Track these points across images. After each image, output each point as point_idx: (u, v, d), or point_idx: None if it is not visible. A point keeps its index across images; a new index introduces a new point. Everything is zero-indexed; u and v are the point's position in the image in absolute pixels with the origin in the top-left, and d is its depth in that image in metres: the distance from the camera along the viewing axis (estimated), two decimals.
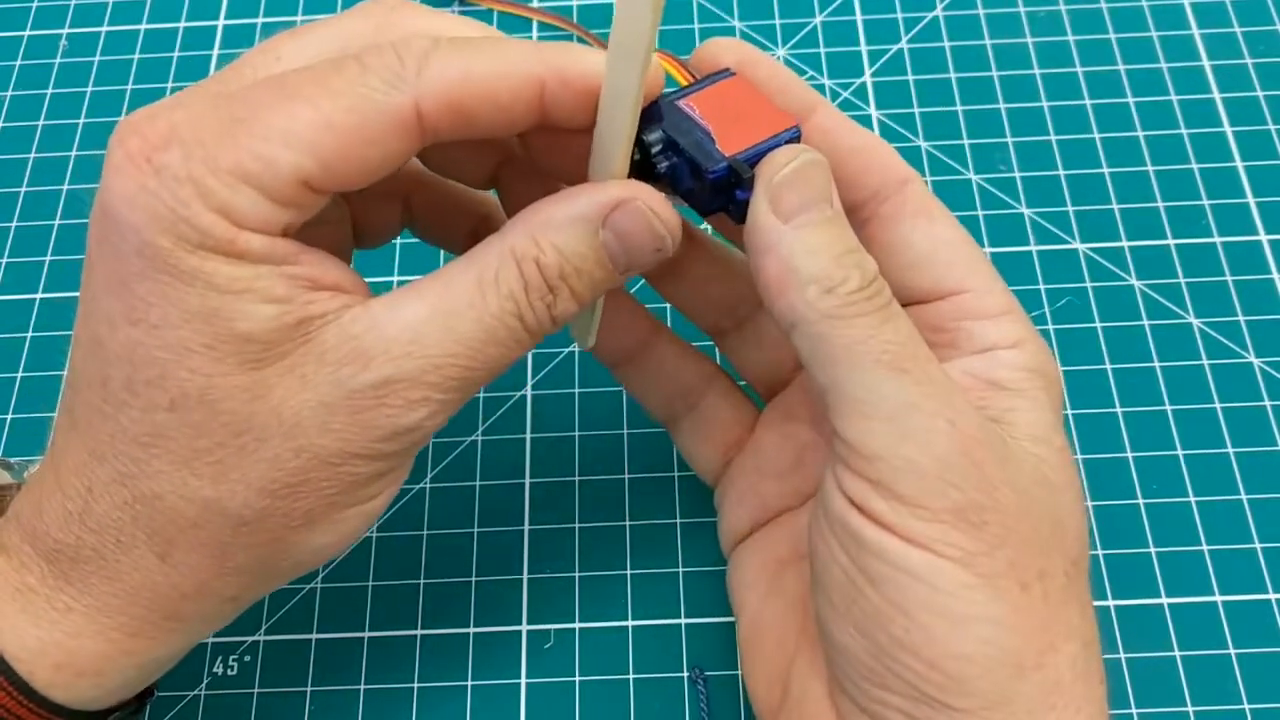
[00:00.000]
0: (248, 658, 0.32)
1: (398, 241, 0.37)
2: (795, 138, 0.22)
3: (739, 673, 0.30)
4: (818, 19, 0.41)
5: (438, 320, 0.21)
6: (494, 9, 0.41)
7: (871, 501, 0.21)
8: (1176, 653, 0.30)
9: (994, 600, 0.20)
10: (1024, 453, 0.22)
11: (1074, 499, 0.23)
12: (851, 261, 0.21)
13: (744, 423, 0.28)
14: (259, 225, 0.20)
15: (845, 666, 0.22)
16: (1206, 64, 0.40)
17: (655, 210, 0.22)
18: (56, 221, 0.39)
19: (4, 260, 0.38)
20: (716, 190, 0.22)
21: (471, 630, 0.32)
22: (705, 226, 0.31)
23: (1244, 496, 0.32)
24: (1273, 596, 0.31)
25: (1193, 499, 0.32)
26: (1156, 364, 0.34)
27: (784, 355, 0.27)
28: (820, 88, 0.40)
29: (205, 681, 0.31)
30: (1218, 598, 0.31)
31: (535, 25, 0.41)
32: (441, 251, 0.36)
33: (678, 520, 0.33)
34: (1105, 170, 0.38)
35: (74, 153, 0.40)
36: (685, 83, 0.23)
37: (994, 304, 0.23)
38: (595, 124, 0.21)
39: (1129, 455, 0.33)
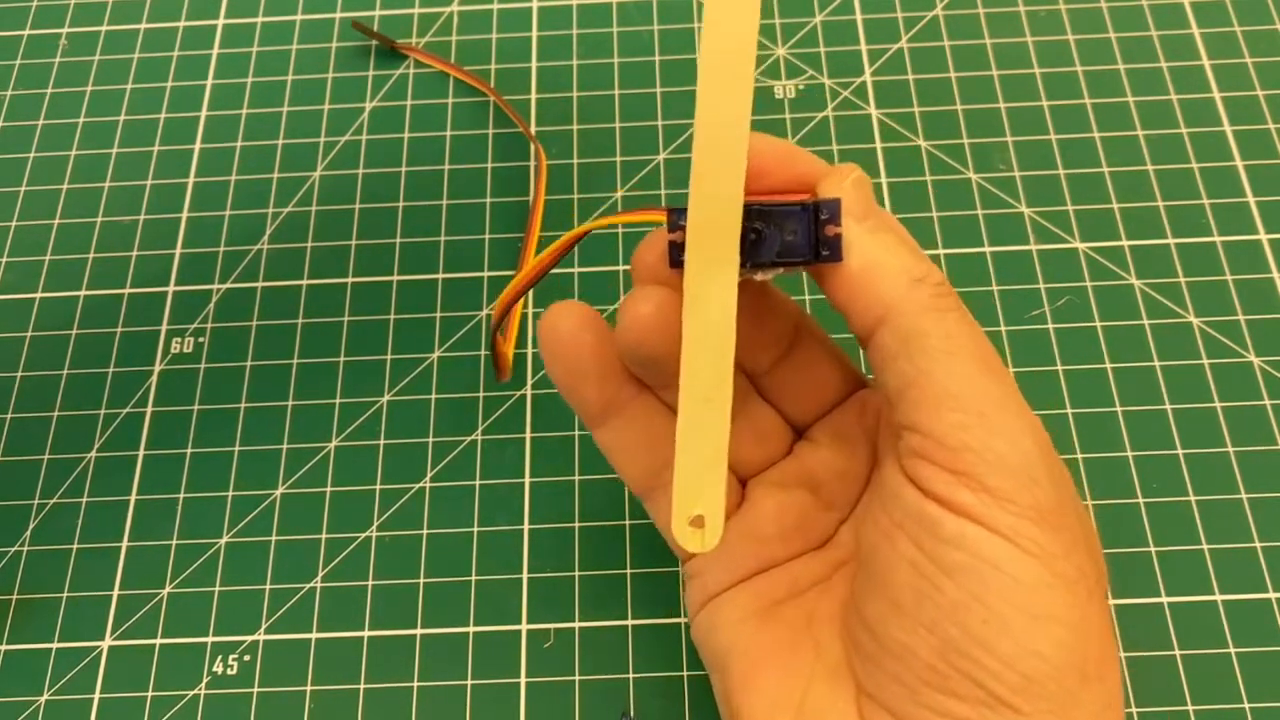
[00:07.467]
0: (248, 657, 0.32)
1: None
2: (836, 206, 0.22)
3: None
4: (818, 18, 0.41)
5: None
6: (449, 73, 0.41)
7: (956, 493, 0.20)
8: (1176, 652, 0.30)
9: (1069, 604, 0.20)
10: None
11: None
12: (926, 260, 0.22)
13: (736, 492, 0.27)
14: None
15: (901, 672, 0.21)
16: (1206, 64, 0.40)
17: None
18: (56, 221, 0.39)
19: (4, 260, 0.38)
20: (802, 230, 0.21)
21: (471, 630, 0.32)
22: None
23: (1244, 496, 0.32)
24: (1273, 596, 0.31)
25: (1193, 498, 0.32)
26: (1156, 363, 0.34)
27: (774, 449, 0.26)
28: (820, 87, 0.40)
29: (205, 681, 0.31)
30: (1218, 597, 0.31)
31: (493, 104, 0.41)
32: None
33: None
34: (1105, 170, 0.38)
35: (74, 152, 0.40)
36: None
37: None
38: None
39: (1129, 454, 0.33)
